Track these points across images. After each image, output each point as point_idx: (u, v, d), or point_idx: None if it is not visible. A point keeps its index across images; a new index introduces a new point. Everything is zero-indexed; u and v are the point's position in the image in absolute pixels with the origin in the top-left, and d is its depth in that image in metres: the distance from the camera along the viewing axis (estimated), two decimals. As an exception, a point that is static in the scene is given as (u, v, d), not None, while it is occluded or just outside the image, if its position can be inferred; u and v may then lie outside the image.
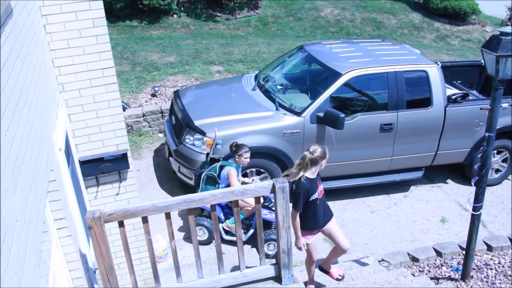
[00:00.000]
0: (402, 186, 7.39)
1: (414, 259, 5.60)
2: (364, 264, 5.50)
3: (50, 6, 3.60)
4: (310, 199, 4.50)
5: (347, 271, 5.37)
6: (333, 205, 6.90)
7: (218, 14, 14.03)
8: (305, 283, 5.11)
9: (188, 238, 6.18)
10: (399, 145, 6.75)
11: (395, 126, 6.62)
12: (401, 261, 5.54)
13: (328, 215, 4.81)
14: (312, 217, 4.62)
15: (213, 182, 5.91)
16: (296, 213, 4.50)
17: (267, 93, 6.99)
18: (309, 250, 4.80)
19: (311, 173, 4.46)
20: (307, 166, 4.43)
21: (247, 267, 3.97)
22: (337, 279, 5.14)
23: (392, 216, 6.78)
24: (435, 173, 7.67)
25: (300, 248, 4.68)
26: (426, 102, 6.78)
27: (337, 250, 4.98)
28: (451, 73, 8.17)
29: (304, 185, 4.39)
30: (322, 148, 4.49)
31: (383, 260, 5.55)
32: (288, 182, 3.95)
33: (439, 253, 5.69)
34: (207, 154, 6.23)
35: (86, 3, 3.69)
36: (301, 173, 4.42)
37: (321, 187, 4.65)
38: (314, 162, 4.43)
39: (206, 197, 3.55)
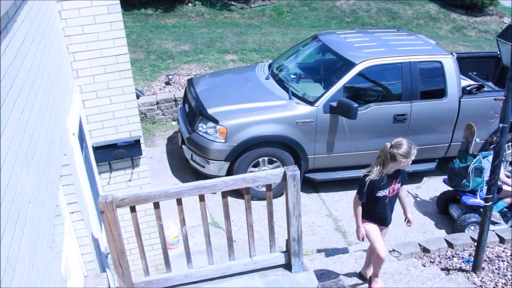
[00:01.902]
0: (414, 178, 7.35)
1: (425, 250, 5.58)
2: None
3: (65, -8, 3.62)
4: (377, 195, 4.25)
5: (358, 260, 5.37)
6: (345, 195, 6.90)
7: (233, 3, 14.00)
8: (363, 276, 5.02)
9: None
10: (413, 136, 6.69)
11: (408, 117, 6.58)
12: (412, 252, 5.52)
13: (389, 219, 4.53)
14: (373, 213, 4.40)
15: (479, 173, 6.15)
16: (359, 202, 4.33)
17: (280, 82, 6.98)
18: (370, 240, 4.49)
19: (387, 170, 4.17)
20: (386, 160, 4.10)
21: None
22: None
23: (404, 207, 6.75)
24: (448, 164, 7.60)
25: (360, 239, 4.47)
26: (440, 93, 6.72)
27: (373, 256, 4.65)
28: (466, 64, 8.07)
29: (368, 182, 4.18)
30: (408, 146, 4.06)
31: (393, 250, 5.55)
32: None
33: (450, 245, 5.67)
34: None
35: (101, -11, 3.70)
36: (380, 169, 4.15)
37: (396, 186, 4.33)
38: (392, 158, 4.07)
39: (217, 183, 3.57)
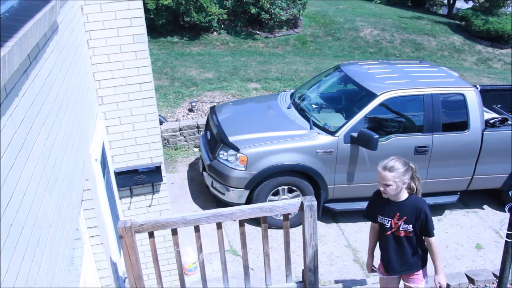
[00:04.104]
0: (436, 210, 7.26)
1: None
2: (393, 288, 5.42)
3: (93, 22, 3.76)
4: (379, 221, 3.84)
5: (375, 293, 5.30)
6: (365, 226, 6.84)
7: (257, 32, 14.23)
8: None
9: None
10: (434, 168, 6.66)
11: (430, 149, 6.54)
12: (431, 286, 5.43)
13: (393, 265, 3.92)
14: (380, 246, 4.00)
15: None
16: (372, 225, 3.96)
17: (302, 112, 7.04)
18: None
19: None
20: None
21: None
22: None
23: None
24: (471, 198, 7.52)
25: (368, 271, 4.15)
26: (463, 125, 6.68)
27: None
28: (491, 96, 8.03)
29: (373, 195, 3.86)
30: (395, 161, 3.66)
31: (413, 284, 5.46)
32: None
33: (471, 280, 5.55)
34: None
35: (128, 20, 3.84)
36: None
37: (401, 224, 3.70)
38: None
39: (235, 212, 3.61)
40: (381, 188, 3.61)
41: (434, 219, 7.05)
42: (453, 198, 7.05)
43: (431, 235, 3.73)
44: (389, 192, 3.60)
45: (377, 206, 3.82)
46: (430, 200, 6.96)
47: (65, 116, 2.67)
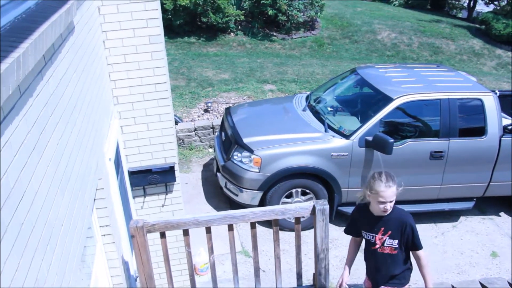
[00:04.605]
0: (451, 216, 7.20)
1: (459, 292, 5.43)
2: (405, 294, 5.37)
3: (110, 23, 3.80)
4: (364, 237, 3.67)
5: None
6: (378, 230, 6.80)
7: (274, 33, 14.23)
8: None
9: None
10: (450, 173, 6.59)
11: (445, 154, 6.48)
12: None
13: (378, 280, 3.77)
14: (366, 263, 3.86)
15: None
16: (349, 237, 3.82)
17: (317, 115, 7.02)
18: None
19: (372, 206, 3.54)
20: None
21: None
22: None
23: (438, 246, 6.60)
24: (487, 204, 7.43)
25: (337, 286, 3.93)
26: (480, 131, 6.60)
27: None
28: (509, 102, 7.92)
29: (354, 211, 3.76)
30: (382, 178, 3.42)
31: (425, 290, 5.41)
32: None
33: (485, 288, 5.49)
34: None
35: (144, 21, 3.86)
36: (364, 192, 3.55)
37: (386, 239, 3.53)
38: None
39: (246, 214, 3.61)
40: (382, 206, 3.39)
41: (449, 225, 7.02)
42: (469, 205, 6.97)
43: (419, 247, 3.56)
44: (390, 209, 3.43)
45: (360, 222, 3.64)
46: (445, 206, 6.91)
47: (79, 115, 2.69)
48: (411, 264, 3.74)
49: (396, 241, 3.49)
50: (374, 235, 3.54)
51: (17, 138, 1.68)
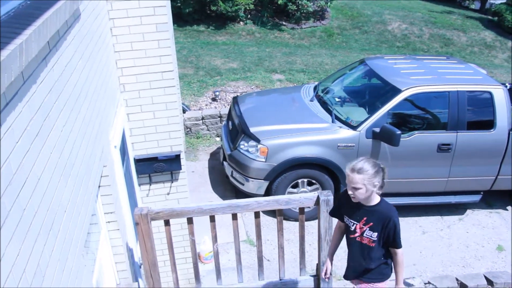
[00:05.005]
0: (457, 209, 7.16)
1: (463, 286, 5.41)
2: (409, 285, 5.38)
3: (117, 10, 3.79)
4: (345, 222, 3.52)
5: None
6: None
7: (283, 23, 14.16)
8: None
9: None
10: (457, 166, 6.55)
11: (453, 147, 6.44)
12: (448, 286, 5.36)
13: (351, 269, 3.61)
14: (348, 251, 3.65)
15: None
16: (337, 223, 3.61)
17: (324, 105, 7.00)
18: None
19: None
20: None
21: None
22: None
23: (444, 238, 6.59)
24: (494, 198, 7.38)
25: (322, 274, 3.77)
26: (489, 124, 6.55)
27: None
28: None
29: (342, 194, 3.52)
30: (364, 162, 3.29)
31: (429, 282, 5.40)
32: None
33: (490, 282, 5.46)
34: None
35: (151, 9, 3.86)
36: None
37: (366, 230, 3.40)
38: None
39: (250, 203, 3.62)
40: (350, 192, 3.28)
41: (455, 218, 6.99)
42: (476, 198, 6.93)
43: (398, 246, 3.41)
44: (358, 196, 3.27)
45: (345, 207, 3.49)
46: (452, 199, 6.88)
47: (84, 102, 2.70)
48: (390, 261, 3.57)
49: (376, 234, 3.36)
50: (355, 223, 3.41)
51: (19, 124, 1.69)
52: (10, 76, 1.50)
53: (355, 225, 3.39)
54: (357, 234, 3.40)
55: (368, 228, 3.35)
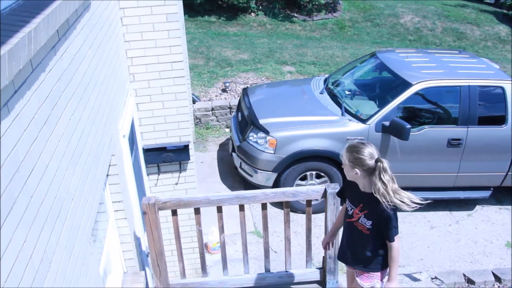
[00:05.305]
0: (466, 205, 7.12)
1: (470, 281, 5.40)
2: (415, 280, 5.37)
3: (128, 0, 3.80)
4: (346, 205, 3.49)
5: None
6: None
7: (295, 15, 14.09)
8: None
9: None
10: (467, 161, 6.51)
11: (463, 142, 6.39)
12: (455, 282, 5.36)
13: (343, 253, 3.58)
14: (343, 233, 3.61)
15: None
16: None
17: (334, 98, 6.97)
18: None
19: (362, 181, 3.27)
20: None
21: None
22: None
23: (452, 234, 6.56)
24: (504, 194, 7.33)
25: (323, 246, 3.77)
26: (500, 119, 6.49)
27: None
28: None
29: (349, 182, 3.40)
30: (365, 145, 3.24)
31: (436, 278, 5.40)
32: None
33: (498, 278, 5.45)
34: None
35: (162, -1, 3.86)
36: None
37: (361, 217, 3.33)
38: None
39: (257, 195, 3.63)
40: (343, 162, 3.23)
41: (464, 213, 6.95)
42: (486, 194, 6.88)
43: (391, 240, 3.29)
44: (345, 171, 3.25)
45: (349, 191, 3.44)
46: (461, 194, 6.84)
47: (93, 91, 2.71)
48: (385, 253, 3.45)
49: (370, 222, 3.28)
50: (353, 207, 3.36)
51: (27, 112, 1.70)
52: (18, 64, 1.51)
53: (352, 209, 3.34)
54: (353, 219, 3.35)
55: (363, 215, 3.30)
